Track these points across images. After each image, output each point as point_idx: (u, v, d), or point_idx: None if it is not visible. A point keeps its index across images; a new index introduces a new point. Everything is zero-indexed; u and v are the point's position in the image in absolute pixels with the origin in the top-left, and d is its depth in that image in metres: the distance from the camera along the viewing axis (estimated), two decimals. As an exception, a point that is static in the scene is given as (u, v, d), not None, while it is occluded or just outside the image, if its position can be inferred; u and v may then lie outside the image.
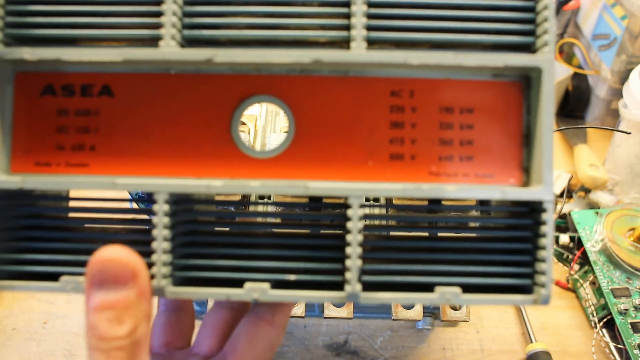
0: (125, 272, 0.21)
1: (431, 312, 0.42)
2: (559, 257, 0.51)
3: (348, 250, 0.22)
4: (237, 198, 0.32)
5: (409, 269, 0.22)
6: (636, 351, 0.42)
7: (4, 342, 0.44)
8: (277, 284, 0.22)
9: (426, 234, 0.24)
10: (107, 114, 0.23)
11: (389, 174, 0.23)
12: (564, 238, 0.51)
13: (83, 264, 0.22)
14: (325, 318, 0.38)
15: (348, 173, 0.23)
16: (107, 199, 0.24)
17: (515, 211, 0.23)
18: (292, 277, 0.22)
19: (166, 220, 0.22)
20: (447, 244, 0.23)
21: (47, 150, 0.23)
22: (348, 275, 0.21)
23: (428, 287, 0.22)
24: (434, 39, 0.22)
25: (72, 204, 0.26)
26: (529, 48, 0.22)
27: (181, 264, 0.22)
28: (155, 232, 0.22)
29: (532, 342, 0.44)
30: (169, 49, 0.22)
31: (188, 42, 0.22)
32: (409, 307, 0.38)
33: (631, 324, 0.43)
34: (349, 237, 0.22)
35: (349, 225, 0.22)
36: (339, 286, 0.22)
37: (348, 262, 0.22)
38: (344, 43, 0.22)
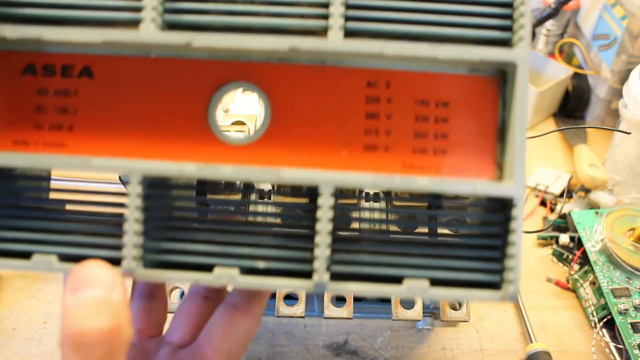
0: (111, 279, 0.21)
1: (431, 312, 0.42)
2: (559, 257, 0.51)
3: (317, 239, 0.22)
4: (238, 196, 0.32)
5: (378, 260, 0.22)
6: (636, 351, 0.42)
7: (4, 342, 0.44)
8: (248, 272, 0.22)
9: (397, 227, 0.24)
10: (87, 95, 0.23)
11: (362, 164, 0.23)
12: (564, 238, 0.51)
13: (56, 243, 0.22)
14: (325, 318, 0.38)
15: (322, 162, 0.23)
16: (85, 180, 0.24)
17: (487, 207, 0.23)
18: (261, 264, 0.22)
19: (139, 202, 0.22)
20: (418, 237, 0.23)
21: (25, 129, 0.23)
22: (316, 264, 0.22)
23: (398, 280, 0.22)
24: (411, 32, 0.22)
25: (49, 184, 0.26)
26: (506, 43, 0.22)
27: (153, 247, 0.22)
28: (127, 213, 0.22)
29: (532, 342, 0.44)
30: (148, 32, 0.22)
31: (168, 27, 0.23)
32: (409, 307, 0.38)
33: (631, 324, 0.43)
34: (318, 226, 0.22)
35: (319, 214, 0.22)
36: (309, 275, 0.22)
37: (317, 251, 0.22)
38: (322, 32, 0.22)
